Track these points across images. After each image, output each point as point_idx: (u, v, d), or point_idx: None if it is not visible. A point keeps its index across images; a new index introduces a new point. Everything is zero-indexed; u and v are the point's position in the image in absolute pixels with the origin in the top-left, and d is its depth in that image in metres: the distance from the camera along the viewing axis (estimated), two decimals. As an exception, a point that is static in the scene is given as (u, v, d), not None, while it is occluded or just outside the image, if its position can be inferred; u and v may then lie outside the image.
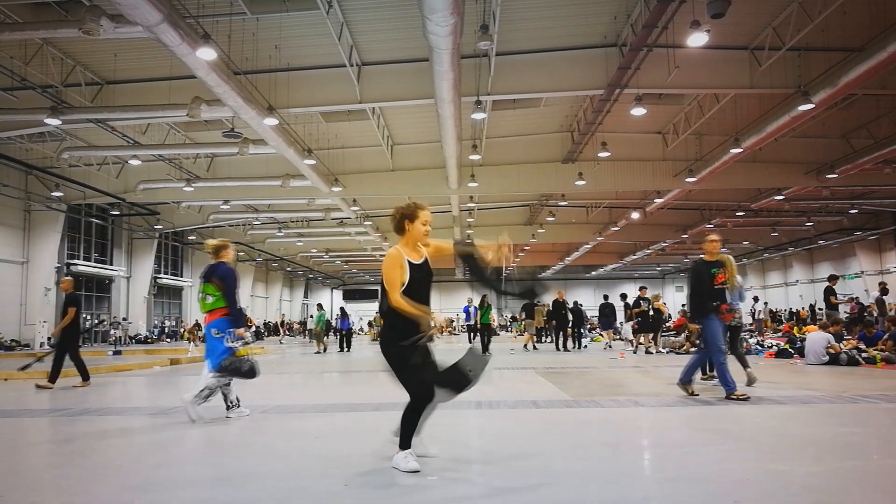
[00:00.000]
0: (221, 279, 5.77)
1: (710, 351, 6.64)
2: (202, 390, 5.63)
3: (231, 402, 5.93)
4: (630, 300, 16.65)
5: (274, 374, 11.69)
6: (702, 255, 7.06)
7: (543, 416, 5.83)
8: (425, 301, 3.69)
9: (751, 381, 7.30)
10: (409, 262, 3.67)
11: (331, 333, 24.86)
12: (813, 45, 13.52)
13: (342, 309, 21.31)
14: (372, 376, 11.23)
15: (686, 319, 19.02)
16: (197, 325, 27.31)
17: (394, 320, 3.63)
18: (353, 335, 22.60)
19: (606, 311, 18.64)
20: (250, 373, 5.76)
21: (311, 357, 16.53)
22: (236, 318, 5.79)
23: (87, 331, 26.91)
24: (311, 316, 20.67)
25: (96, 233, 29.24)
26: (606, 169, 21.37)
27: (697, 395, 6.74)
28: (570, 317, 17.59)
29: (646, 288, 16.13)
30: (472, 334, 20.10)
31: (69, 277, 9.66)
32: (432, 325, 3.60)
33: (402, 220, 3.75)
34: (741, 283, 7.99)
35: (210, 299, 5.80)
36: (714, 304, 6.58)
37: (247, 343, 5.89)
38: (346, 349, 19.38)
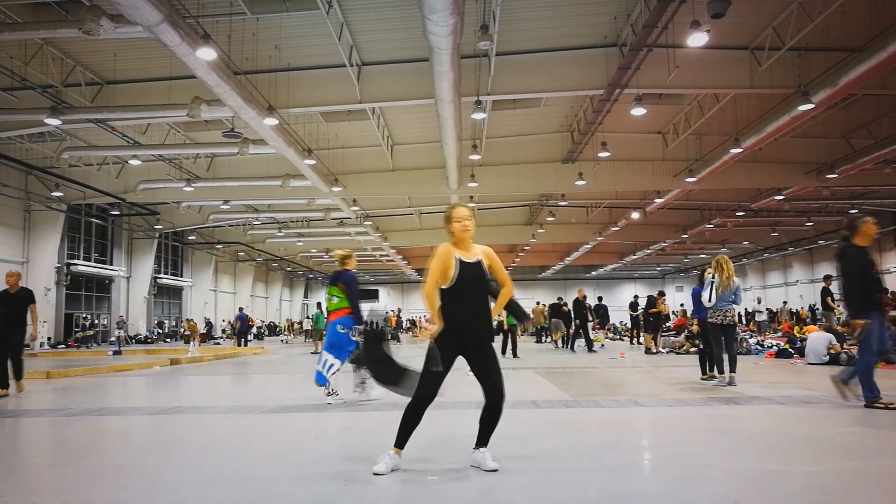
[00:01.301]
0: (346, 284, 6.79)
1: (861, 351, 5.81)
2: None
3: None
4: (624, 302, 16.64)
5: (274, 374, 11.70)
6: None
7: (543, 416, 5.83)
8: (476, 302, 3.66)
9: (731, 383, 7.63)
10: (459, 259, 3.65)
11: None
12: (813, 45, 13.52)
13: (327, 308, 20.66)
14: (372, 376, 11.23)
15: (686, 320, 19.05)
16: (189, 321, 27.21)
17: (442, 315, 3.65)
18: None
19: (600, 312, 18.89)
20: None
21: (309, 357, 16.50)
22: (359, 317, 6.71)
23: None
24: (309, 316, 19.68)
25: (96, 233, 29.24)
26: (606, 169, 21.37)
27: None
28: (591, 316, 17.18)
29: (664, 293, 16.74)
30: None
31: (15, 270, 8.69)
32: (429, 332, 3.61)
33: (445, 224, 3.80)
34: (738, 283, 7.99)
35: (335, 300, 6.84)
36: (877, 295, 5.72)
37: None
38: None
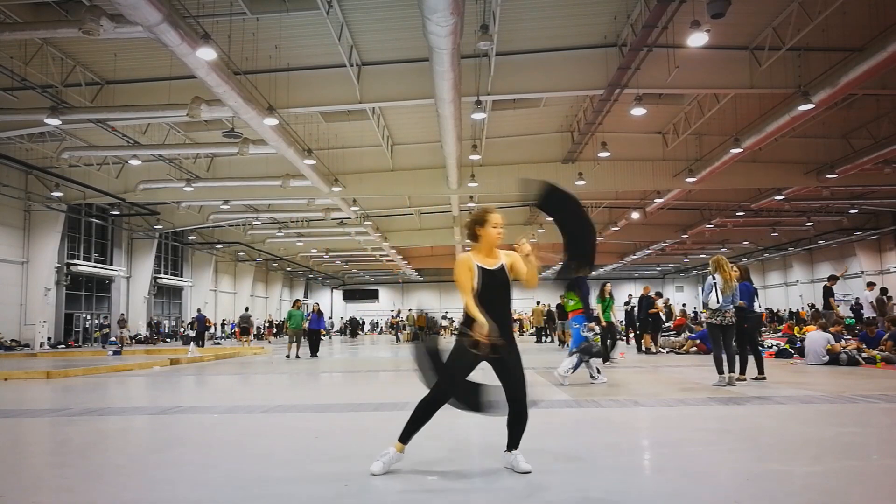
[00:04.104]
0: (580, 289, 8.41)
1: None
2: (569, 368, 8.11)
3: (593, 374, 8.29)
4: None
5: (274, 374, 11.70)
6: None
7: (543, 416, 5.82)
8: (500, 308, 3.58)
9: (730, 383, 7.69)
10: (480, 267, 3.61)
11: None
12: (813, 45, 13.52)
13: (316, 306, 18.46)
14: (372, 376, 11.23)
15: (686, 319, 19.05)
16: (123, 320, 26.62)
17: (468, 319, 3.56)
18: (356, 336, 21.48)
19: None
20: (598, 353, 8.35)
21: (307, 359, 16.39)
22: (589, 316, 8.42)
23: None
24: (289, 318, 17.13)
25: (96, 233, 29.23)
26: (606, 169, 21.36)
27: None
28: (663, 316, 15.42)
29: (661, 294, 16.90)
30: None
31: None
32: (485, 335, 3.43)
33: (474, 226, 3.71)
34: (737, 284, 8.04)
35: (571, 302, 8.48)
36: None
37: (596, 334, 8.56)
38: (314, 354, 16.73)
